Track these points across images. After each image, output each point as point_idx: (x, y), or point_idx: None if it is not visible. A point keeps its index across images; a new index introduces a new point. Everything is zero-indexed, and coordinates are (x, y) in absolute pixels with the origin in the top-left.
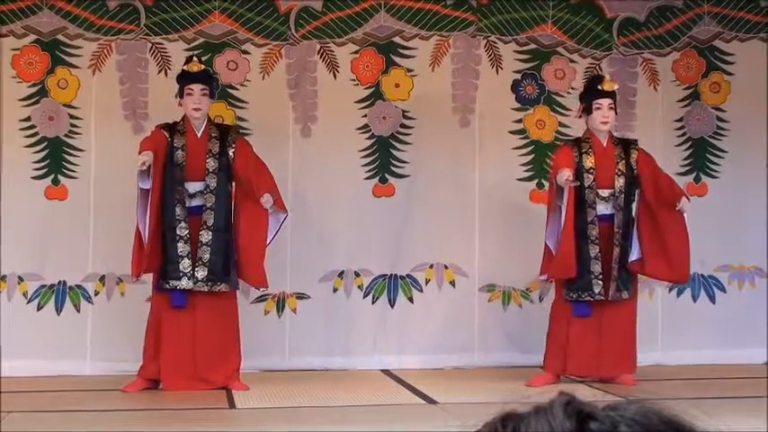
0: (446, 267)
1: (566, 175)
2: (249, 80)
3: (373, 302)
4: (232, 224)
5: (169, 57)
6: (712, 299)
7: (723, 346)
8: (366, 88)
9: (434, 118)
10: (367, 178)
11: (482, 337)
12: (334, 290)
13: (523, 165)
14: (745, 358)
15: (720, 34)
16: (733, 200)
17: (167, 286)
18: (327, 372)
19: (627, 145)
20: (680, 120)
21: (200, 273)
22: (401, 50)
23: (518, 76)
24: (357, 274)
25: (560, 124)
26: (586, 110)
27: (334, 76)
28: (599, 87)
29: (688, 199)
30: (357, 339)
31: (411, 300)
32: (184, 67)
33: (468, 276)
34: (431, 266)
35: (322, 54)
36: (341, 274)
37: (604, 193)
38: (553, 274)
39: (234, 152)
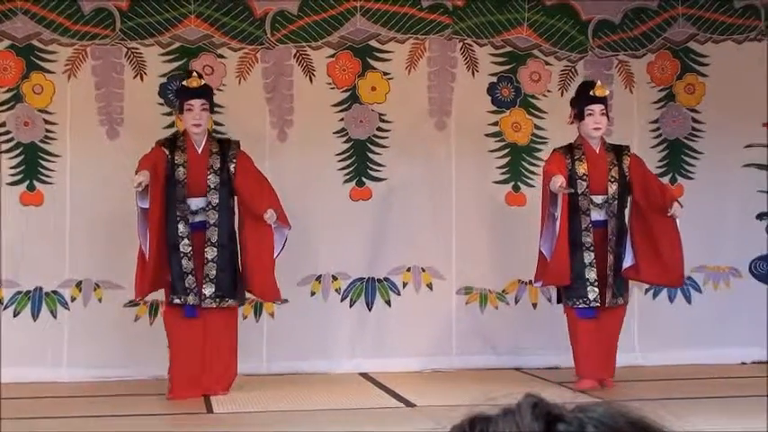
0: (423, 270)
1: (559, 182)
2: (225, 84)
3: (351, 306)
4: (236, 239)
5: (144, 62)
6: (688, 299)
7: (699, 346)
8: (342, 92)
9: (411, 121)
10: (344, 182)
11: (460, 339)
12: (312, 293)
13: (500, 167)
14: (721, 358)
15: (695, 36)
16: (709, 201)
17: (178, 301)
18: (305, 376)
19: (619, 151)
20: (655, 121)
21: (208, 289)
22: (377, 54)
23: (494, 79)
24: (335, 278)
25: (536, 127)
26: (578, 116)
27: (311, 80)
28: (591, 93)
29: (680, 204)
30: (335, 343)
31: (389, 303)
32: (184, 83)
33: (446, 279)
34: (408, 269)
35: (298, 58)
36: (318, 278)
37: (598, 199)
38: (548, 282)
39: (235, 167)
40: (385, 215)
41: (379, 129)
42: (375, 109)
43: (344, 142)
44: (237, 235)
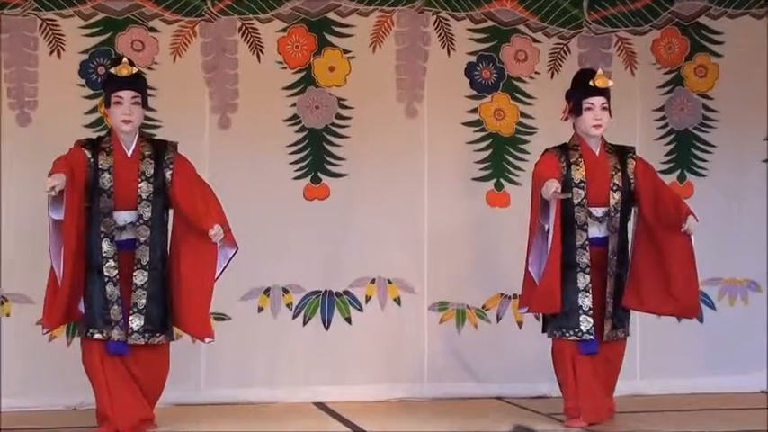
0: (390, 282)
1: (553, 187)
2: (158, 63)
3: (305, 324)
4: (167, 261)
5: (62, 35)
6: (700, 317)
7: (713, 372)
8: (295, 72)
9: (376, 107)
10: (296, 178)
11: (433, 363)
12: (259, 309)
13: (480, 162)
14: (739, 386)
15: (707, 9)
16: (723, 202)
17: (99, 336)
18: (250, 406)
19: (623, 153)
20: (661, 109)
21: (136, 322)
22: (336, 28)
23: (473, 59)
24: (285, 291)
25: (522, 114)
26: (575, 110)
27: (258, 59)
28: (591, 84)
29: (696, 218)
30: (285, 367)
31: (349, 320)
32: (111, 71)
33: (416, 292)
34: (372, 281)
35: (243, 32)
36: (266, 291)
37: (597, 212)
38: (535, 308)
39: (171, 174)
40: (345, 217)
41: (338, 116)
42: (333, 93)
43: (297, 131)
44: (171, 256)
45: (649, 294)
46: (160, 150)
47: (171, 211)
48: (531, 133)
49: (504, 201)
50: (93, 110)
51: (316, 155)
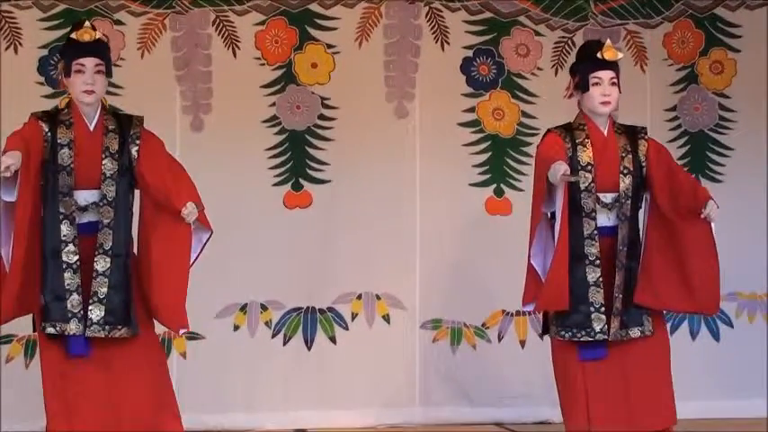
0: (378, 298)
1: (562, 169)
2: (124, 59)
3: (285, 343)
4: (133, 247)
5: (20, 29)
6: (716, 336)
7: (730, 395)
8: (274, 69)
9: (363, 107)
10: (276, 184)
11: (425, 387)
12: (235, 328)
13: (477, 165)
14: (758, 410)
15: (724, 0)
16: (740, 209)
17: (52, 331)
18: None
19: (633, 134)
20: (673, 108)
21: (96, 313)
22: (319, 21)
23: (469, 53)
24: (264, 308)
25: (524, 114)
26: (580, 86)
27: (234, 54)
28: (598, 56)
29: (716, 204)
30: (264, 391)
31: (333, 340)
32: (72, 36)
33: (407, 309)
34: (359, 297)
35: (218, 25)
36: (243, 308)
37: (607, 198)
38: (542, 306)
39: (138, 150)
40: (329, 227)
41: (321, 117)
42: (316, 91)
43: (277, 134)
44: (136, 241)
45: (664, 289)
46: (125, 124)
47: (136, 193)
48: (534, 134)
49: (505, 208)
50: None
51: (297, 159)
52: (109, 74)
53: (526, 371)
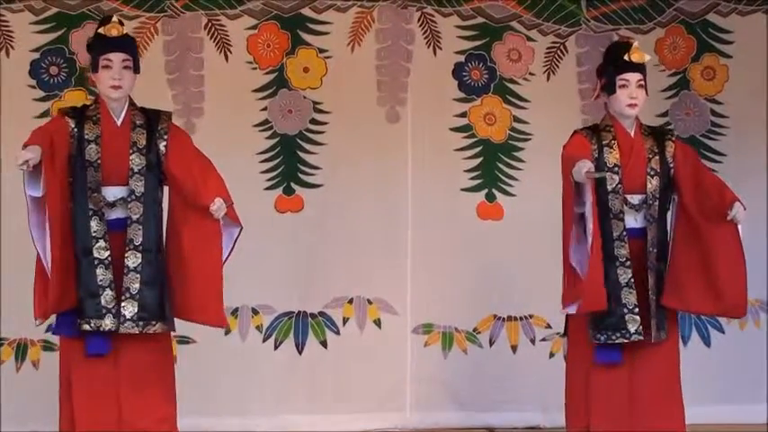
0: (370, 302)
1: (586, 166)
2: None
3: (276, 348)
4: (164, 242)
5: (11, 32)
6: (707, 341)
7: (721, 400)
8: (266, 73)
9: (354, 111)
10: (268, 188)
11: (416, 391)
12: (227, 332)
13: (469, 170)
14: (748, 416)
15: (716, 6)
16: None
17: (88, 327)
18: None
19: (661, 135)
20: (665, 114)
21: (129, 309)
22: (311, 25)
23: (461, 58)
24: (255, 312)
25: (516, 119)
26: (607, 88)
27: (226, 58)
28: (625, 58)
29: (743, 206)
30: (255, 395)
31: (324, 344)
32: (100, 31)
33: (399, 314)
34: (350, 301)
35: (210, 29)
36: (234, 312)
37: (634, 199)
38: (587, 307)
39: (166, 145)
40: (320, 231)
41: (313, 121)
42: (308, 96)
43: (268, 138)
44: (165, 237)
45: (690, 292)
46: (153, 120)
47: (165, 189)
48: (526, 140)
49: (496, 213)
50: (45, 113)
51: (288, 163)
52: (136, 69)
53: (517, 376)
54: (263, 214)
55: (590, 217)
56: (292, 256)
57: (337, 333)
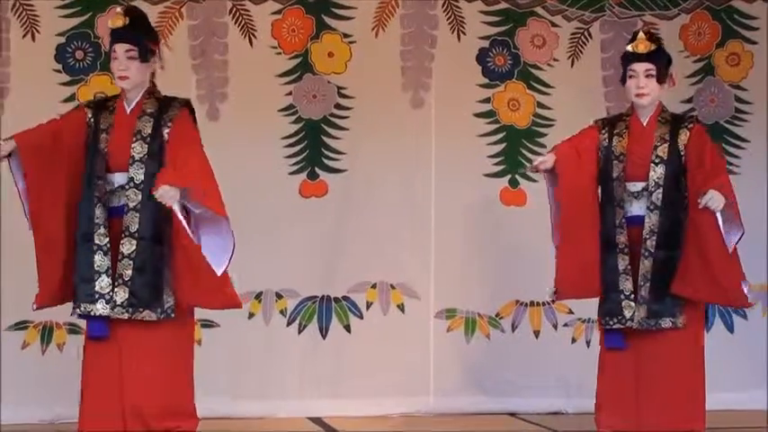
0: (393, 287)
1: (536, 160)
2: None
3: (300, 332)
4: (166, 232)
5: (37, 16)
6: (730, 328)
7: (744, 386)
8: (291, 58)
9: (378, 96)
10: (292, 173)
11: (439, 376)
12: (250, 316)
13: (492, 156)
14: (739, 403)
15: None
16: (757, 201)
17: (80, 311)
18: (239, 421)
19: (678, 123)
20: (689, 100)
21: (120, 294)
22: (336, 10)
23: (485, 44)
24: (279, 296)
25: (539, 105)
26: (622, 78)
27: (251, 43)
28: (630, 49)
29: (721, 195)
30: (278, 379)
31: (348, 328)
32: (108, 22)
33: (422, 299)
34: (373, 286)
35: (235, 14)
36: (258, 296)
37: (635, 186)
38: (557, 295)
39: (168, 132)
40: (344, 216)
41: (337, 106)
42: (333, 81)
43: (293, 123)
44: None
45: (697, 280)
46: (163, 107)
47: None
48: (549, 125)
49: (519, 199)
50: (71, 97)
51: (313, 148)
52: (144, 58)
53: (540, 361)
54: (288, 199)
55: (552, 205)
56: (316, 241)
57: (361, 317)
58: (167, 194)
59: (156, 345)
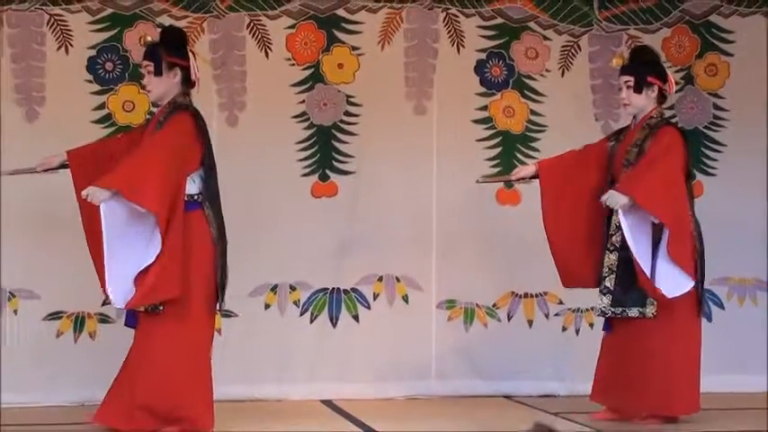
0: (398, 280)
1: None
2: None
3: (312, 321)
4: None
5: (70, 31)
6: (708, 317)
7: (721, 370)
8: (304, 69)
9: (384, 104)
10: (304, 175)
11: (440, 361)
12: (266, 306)
13: (489, 159)
14: (747, 385)
15: (718, 8)
16: (732, 200)
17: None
18: (256, 403)
19: (654, 129)
20: (671, 107)
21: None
22: (345, 25)
23: (483, 56)
24: (293, 288)
25: (532, 112)
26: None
27: (267, 55)
28: (612, 64)
29: (618, 198)
30: (292, 364)
31: (356, 318)
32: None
33: (424, 291)
34: (380, 279)
35: (252, 28)
36: (273, 288)
37: (613, 186)
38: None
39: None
40: (353, 214)
41: (346, 113)
42: (342, 90)
43: (306, 128)
44: None
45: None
46: (169, 114)
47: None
48: (542, 131)
49: (514, 199)
50: (101, 106)
51: (324, 152)
52: (159, 72)
53: (533, 348)
54: (301, 199)
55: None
56: (327, 237)
57: (368, 308)
58: (91, 195)
59: (153, 344)
